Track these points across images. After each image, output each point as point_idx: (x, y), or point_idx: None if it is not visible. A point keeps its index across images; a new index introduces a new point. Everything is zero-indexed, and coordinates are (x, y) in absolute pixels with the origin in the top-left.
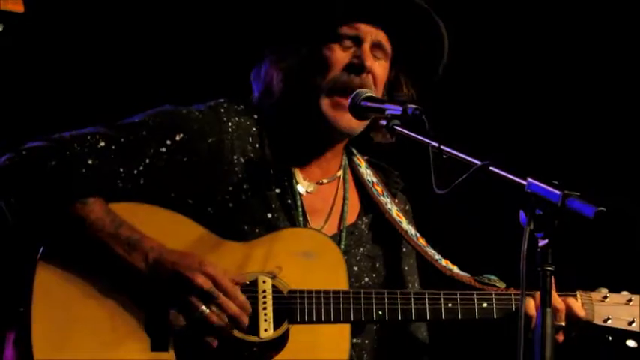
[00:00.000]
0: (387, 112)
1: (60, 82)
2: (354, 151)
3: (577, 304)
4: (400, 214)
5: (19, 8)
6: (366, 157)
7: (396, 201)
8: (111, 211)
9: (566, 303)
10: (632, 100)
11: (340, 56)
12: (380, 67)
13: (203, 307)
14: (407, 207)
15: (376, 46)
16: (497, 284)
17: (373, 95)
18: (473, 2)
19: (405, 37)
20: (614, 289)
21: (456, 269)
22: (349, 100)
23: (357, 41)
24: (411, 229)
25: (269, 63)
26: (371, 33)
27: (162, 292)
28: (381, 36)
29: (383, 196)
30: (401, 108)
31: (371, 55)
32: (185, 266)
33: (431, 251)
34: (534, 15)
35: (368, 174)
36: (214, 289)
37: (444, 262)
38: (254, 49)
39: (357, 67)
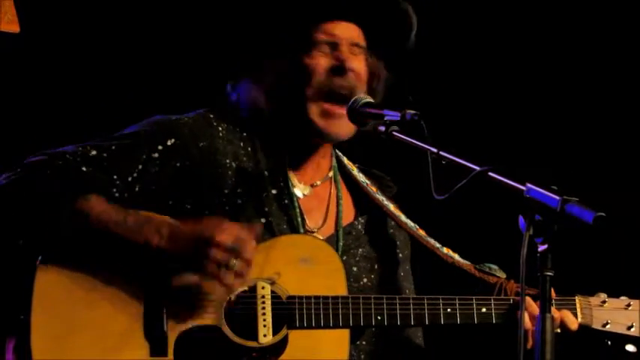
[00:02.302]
0: (385, 117)
1: (53, 94)
2: (344, 157)
3: (571, 317)
4: (397, 210)
5: (15, 28)
6: (356, 165)
7: (391, 202)
8: (114, 204)
9: (560, 314)
10: (631, 103)
11: (321, 61)
12: (359, 63)
13: (232, 261)
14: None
15: (352, 45)
16: (498, 274)
17: (371, 101)
18: (471, 6)
19: (374, 23)
20: (613, 294)
21: (457, 257)
22: (347, 106)
23: (333, 45)
24: (409, 222)
25: (250, 85)
26: (344, 33)
27: (185, 261)
28: (354, 32)
29: (378, 194)
30: (399, 114)
31: (350, 55)
32: (205, 229)
33: (431, 241)
34: (533, 19)
35: (360, 176)
36: (237, 244)
37: (445, 250)
38: (232, 67)
39: (339, 69)
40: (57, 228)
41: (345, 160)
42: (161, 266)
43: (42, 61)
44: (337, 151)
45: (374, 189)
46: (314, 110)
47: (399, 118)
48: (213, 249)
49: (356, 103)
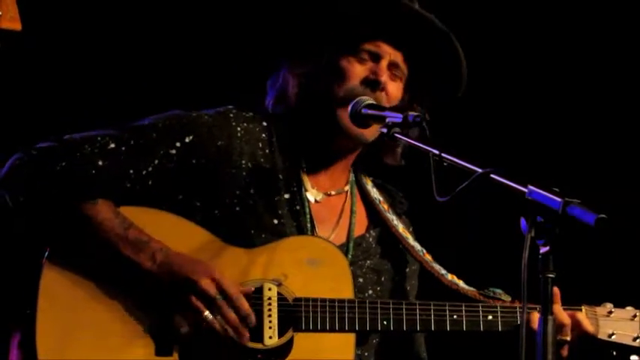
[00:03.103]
0: (387, 119)
1: (69, 85)
2: (360, 169)
3: (585, 318)
4: (406, 232)
5: (17, 26)
6: (371, 178)
7: (402, 221)
8: (119, 213)
9: (574, 318)
10: (631, 104)
11: (357, 69)
12: (395, 87)
13: (207, 313)
14: (410, 229)
15: (393, 65)
16: (503, 297)
17: (374, 103)
18: (473, 8)
19: (424, 62)
20: (620, 304)
21: (461, 284)
22: (350, 108)
23: (375, 57)
24: (417, 245)
25: (286, 69)
26: (390, 52)
27: (168, 294)
28: (399, 57)
29: (389, 213)
30: (402, 115)
31: (387, 73)
32: (192, 270)
33: (437, 266)
34: (533, 20)
35: (374, 192)
36: (218, 297)
37: (449, 276)
38: (274, 56)
39: (372, 82)
40: (60, 226)
41: (363, 174)
42: (149, 289)
43: (51, 55)
44: (357, 165)
45: (385, 207)
46: (340, 111)
47: (401, 120)
48: (193, 296)
49: (358, 104)
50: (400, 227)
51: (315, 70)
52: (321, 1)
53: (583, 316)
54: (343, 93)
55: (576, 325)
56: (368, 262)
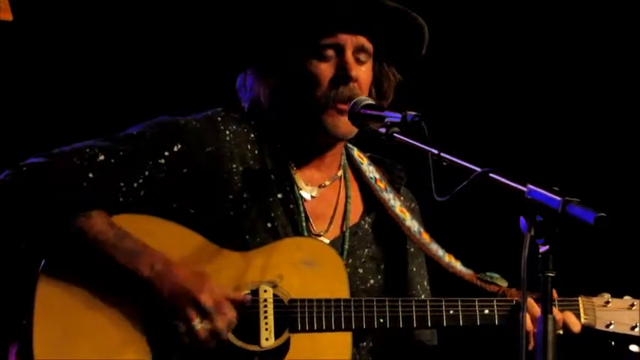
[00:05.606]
0: (386, 119)
1: (55, 91)
2: (355, 148)
3: (573, 319)
4: (404, 210)
5: (8, 16)
6: (368, 154)
7: (401, 198)
8: (114, 224)
9: (563, 316)
10: (631, 103)
11: (324, 71)
12: (364, 72)
13: (196, 321)
14: (412, 205)
15: (358, 50)
16: (499, 282)
17: (372, 103)
18: (472, 7)
19: (384, 34)
20: (617, 293)
21: (459, 265)
22: (348, 109)
23: (339, 49)
24: (414, 225)
25: (253, 77)
26: (351, 39)
27: (164, 303)
28: (361, 39)
29: (386, 191)
30: (400, 115)
31: (354, 63)
32: (197, 288)
33: (434, 247)
34: (533, 19)
35: (370, 170)
36: (213, 310)
37: (447, 257)
38: (237, 63)
39: (341, 78)
40: (55, 240)
41: (356, 152)
42: (145, 296)
43: (40, 51)
44: (348, 144)
45: (382, 185)
46: (320, 116)
47: (399, 120)
48: (190, 307)
49: (356, 105)
50: (397, 206)
51: (283, 80)
52: (268, 8)
53: (570, 315)
54: (317, 98)
55: (564, 323)
56: (366, 250)
